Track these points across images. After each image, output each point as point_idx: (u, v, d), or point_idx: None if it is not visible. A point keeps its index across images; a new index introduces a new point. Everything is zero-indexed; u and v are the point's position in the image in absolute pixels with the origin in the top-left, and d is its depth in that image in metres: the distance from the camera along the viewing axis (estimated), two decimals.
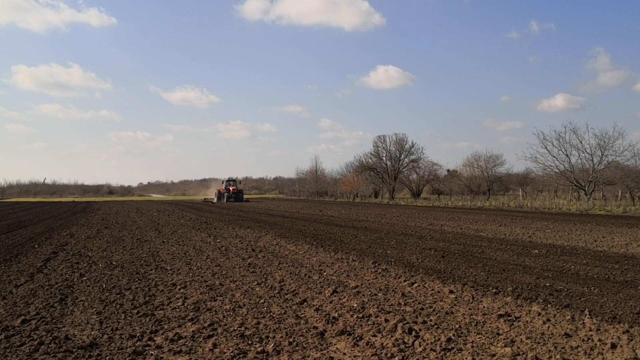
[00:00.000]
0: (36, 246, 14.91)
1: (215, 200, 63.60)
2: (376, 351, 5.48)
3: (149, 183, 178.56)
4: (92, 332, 6.17)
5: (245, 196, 67.75)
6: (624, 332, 5.98)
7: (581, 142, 45.86)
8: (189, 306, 7.48)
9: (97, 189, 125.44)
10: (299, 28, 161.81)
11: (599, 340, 5.71)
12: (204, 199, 72.85)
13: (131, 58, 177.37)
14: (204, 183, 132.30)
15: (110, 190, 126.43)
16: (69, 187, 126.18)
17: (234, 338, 5.93)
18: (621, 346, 5.50)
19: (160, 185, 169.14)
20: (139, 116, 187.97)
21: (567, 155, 46.73)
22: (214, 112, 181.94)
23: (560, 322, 6.48)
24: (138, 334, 6.07)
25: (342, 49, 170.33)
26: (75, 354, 5.40)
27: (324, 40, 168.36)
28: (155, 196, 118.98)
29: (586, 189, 45.38)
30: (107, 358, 5.29)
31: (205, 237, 17.44)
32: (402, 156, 74.67)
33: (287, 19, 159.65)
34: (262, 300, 7.82)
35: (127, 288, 8.80)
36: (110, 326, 6.45)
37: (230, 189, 61.16)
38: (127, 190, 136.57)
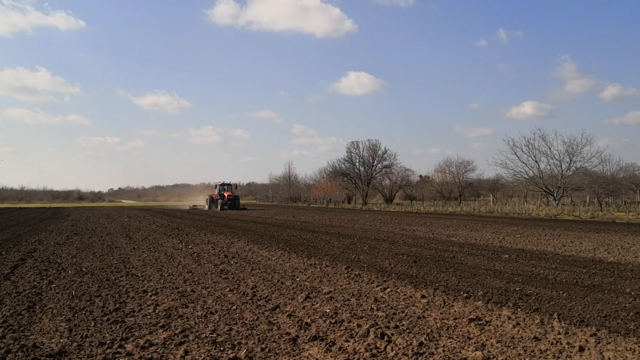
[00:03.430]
0: (3, 253, 14.59)
1: (206, 207, 56.39)
2: (349, 356, 5.49)
3: (119, 189, 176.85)
4: (61, 340, 6.06)
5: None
6: (591, 335, 6.09)
7: (550, 149, 46.81)
8: (160, 313, 7.40)
9: (66, 195, 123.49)
10: (270, 34, 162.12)
11: (568, 343, 5.82)
12: (193, 205, 62.80)
13: (100, 62, 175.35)
14: (177, 189, 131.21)
15: (80, 195, 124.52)
16: (38, 192, 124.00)
17: (206, 345, 5.89)
18: (589, 349, 5.60)
19: (132, 191, 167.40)
20: (109, 121, 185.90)
21: (536, 161, 47.61)
22: (185, 118, 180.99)
23: (529, 326, 6.57)
24: (108, 341, 5.98)
25: (313, 55, 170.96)
26: None
27: (295, 46, 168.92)
28: (126, 202, 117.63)
29: (555, 194, 46.20)
30: None
31: (177, 243, 17.27)
32: (375, 162, 75.34)
33: (257, 24, 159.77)
34: (234, 307, 7.78)
35: (97, 295, 8.67)
36: (79, 334, 6.34)
37: (225, 194, 54.07)
38: (97, 196, 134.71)
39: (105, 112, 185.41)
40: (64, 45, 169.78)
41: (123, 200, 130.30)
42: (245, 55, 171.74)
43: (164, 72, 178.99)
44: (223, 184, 57.16)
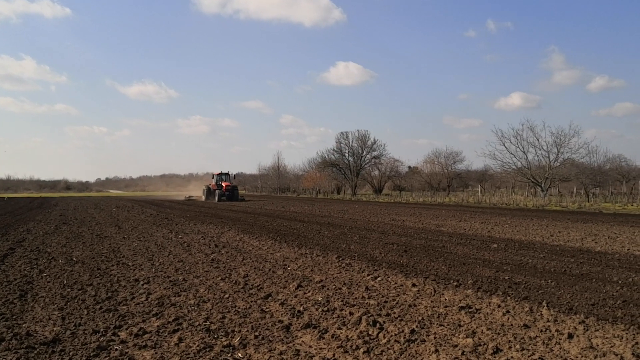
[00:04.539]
0: None
1: (203, 198, 52.64)
2: (341, 343, 5.54)
3: (107, 179, 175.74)
4: (54, 328, 6.07)
5: None
6: (580, 323, 6.19)
7: (538, 140, 47.03)
8: (152, 301, 7.42)
9: (53, 185, 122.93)
10: (258, 23, 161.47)
11: (557, 330, 5.90)
12: (188, 196, 58.31)
13: (87, 51, 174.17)
14: (164, 179, 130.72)
15: (67, 185, 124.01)
16: (24, 182, 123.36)
17: (200, 332, 5.92)
18: (577, 336, 5.69)
19: (119, 181, 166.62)
20: (96, 110, 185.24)
21: (524, 152, 47.83)
22: (173, 107, 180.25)
23: (519, 314, 6.66)
24: (101, 329, 6.00)
25: (302, 45, 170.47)
26: (38, 350, 5.31)
27: (283, 36, 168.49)
28: (114, 192, 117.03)
29: (542, 185, 46.52)
30: (70, 353, 5.22)
31: (167, 233, 17.25)
32: (364, 152, 75.35)
33: (245, 13, 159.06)
34: (226, 295, 7.81)
35: (89, 284, 8.67)
36: (72, 322, 6.35)
37: (223, 185, 50.65)
38: (84, 186, 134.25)
39: (92, 102, 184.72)
40: (50, 33, 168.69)
41: (111, 190, 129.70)
42: (233, 44, 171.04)
43: (150, 61, 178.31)
44: (220, 174, 53.86)
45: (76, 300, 7.49)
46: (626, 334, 5.77)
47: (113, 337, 5.74)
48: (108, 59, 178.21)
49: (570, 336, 5.67)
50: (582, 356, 5.10)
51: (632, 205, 35.07)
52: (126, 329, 6.05)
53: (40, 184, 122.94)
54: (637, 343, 5.42)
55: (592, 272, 9.78)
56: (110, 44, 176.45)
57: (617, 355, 5.10)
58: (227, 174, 54.45)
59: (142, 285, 8.60)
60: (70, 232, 17.64)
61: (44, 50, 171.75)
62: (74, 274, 9.58)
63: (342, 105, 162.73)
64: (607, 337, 5.65)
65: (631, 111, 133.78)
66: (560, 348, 5.35)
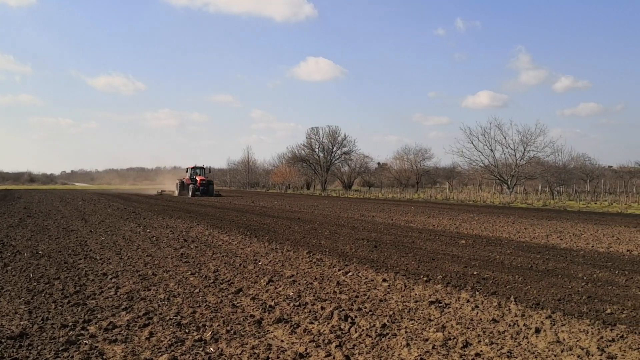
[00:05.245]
0: None
1: (176, 193, 49.77)
2: (314, 337, 5.56)
3: (72, 171, 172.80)
4: (22, 322, 5.95)
5: None
6: (546, 318, 6.32)
7: (505, 138, 47.84)
8: (122, 296, 7.33)
9: (16, 177, 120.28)
10: (227, 16, 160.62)
11: (524, 325, 6.02)
12: (161, 191, 56.48)
13: (52, 41, 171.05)
14: (131, 172, 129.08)
15: (31, 178, 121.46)
16: None
17: (171, 327, 5.87)
18: (545, 330, 5.81)
19: (85, 174, 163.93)
20: (61, 102, 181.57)
21: (491, 150, 48.64)
22: (141, 100, 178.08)
23: (487, 309, 6.77)
24: (70, 324, 5.90)
25: (272, 39, 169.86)
26: (5, 344, 5.19)
27: (253, 29, 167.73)
28: (79, 185, 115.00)
29: (509, 183, 47.30)
30: (38, 348, 5.13)
31: (135, 227, 17.03)
32: (335, 148, 75.54)
33: (214, 5, 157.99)
34: (197, 290, 7.76)
35: (56, 278, 8.52)
36: (40, 316, 6.24)
37: (197, 179, 47.48)
38: (49, 179, 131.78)
39: (57, 93, 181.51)
40: (14, 22, 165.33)
41: (76, 183, 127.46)
42: (202, 37, 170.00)
43: (118, 53, 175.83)
44: (195, 167, 50.67)
45: (43, 294, 7.35)
46: (591, 328, 5.92)
47: (82, 332, 5.65)
48: (74, 49, 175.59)
49: (537, 331, 5.79)
50: (549, 350, 5.21)
51: (595, 203, 35.88)
52: (95, 323, 5.96)
53: (3, 176, 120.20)
54: (602, 337, 5.57)
55: (558, 268, 9.99)
56: (77, 34, 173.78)
57: (583, 349, 5.23)
58: (202, 168, 51.46)
59: (111, 279, 8.49)
60: (35, 225, 17.29)
61: (8, 39, 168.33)
62: (40, 268, 9.40)
63: (312, 101, 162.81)
64: (573, 332, 5.79)
65: (595, 111, 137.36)
66: (528, 342, 5.46)
